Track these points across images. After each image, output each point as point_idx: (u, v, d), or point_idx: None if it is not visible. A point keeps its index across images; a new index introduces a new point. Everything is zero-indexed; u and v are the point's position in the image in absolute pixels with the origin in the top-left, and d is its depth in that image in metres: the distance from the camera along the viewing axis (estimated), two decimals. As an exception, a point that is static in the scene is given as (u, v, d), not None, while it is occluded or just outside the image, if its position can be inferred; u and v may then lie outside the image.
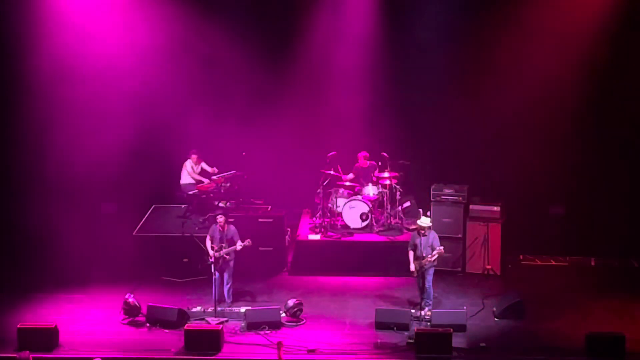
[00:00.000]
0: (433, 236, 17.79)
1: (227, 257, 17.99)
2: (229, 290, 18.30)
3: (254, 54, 22.13)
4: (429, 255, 17.58)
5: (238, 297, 18.66)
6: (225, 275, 18.20)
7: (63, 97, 22.20)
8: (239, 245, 17.96)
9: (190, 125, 22.25)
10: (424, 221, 17.77)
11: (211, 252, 17.91)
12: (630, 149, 21.61)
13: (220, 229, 18.06)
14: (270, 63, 22.25)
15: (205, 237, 18.39)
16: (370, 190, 20.89)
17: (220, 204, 20.90)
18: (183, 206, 21.62)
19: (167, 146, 22.36)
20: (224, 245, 17.96)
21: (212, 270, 18.04)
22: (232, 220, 18.63)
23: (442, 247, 17.64)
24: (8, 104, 22.13)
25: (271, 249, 20.22)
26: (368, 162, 21.24)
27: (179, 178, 21.61)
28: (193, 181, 21.35)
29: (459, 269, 20.05)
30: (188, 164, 21.39)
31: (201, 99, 22.44)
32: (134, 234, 20.81)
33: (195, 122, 22.25)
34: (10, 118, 22.16)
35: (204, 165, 21.55)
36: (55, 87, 22.18)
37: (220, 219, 18.05)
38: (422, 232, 17.71)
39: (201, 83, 22.36)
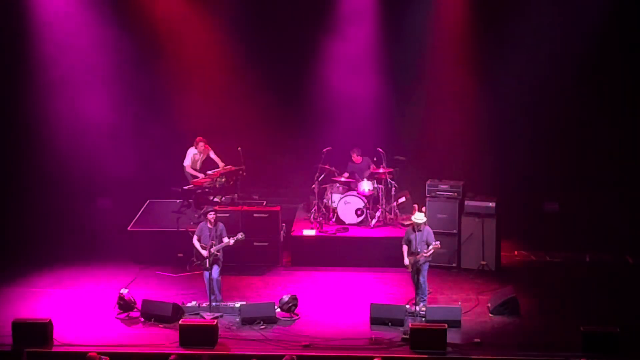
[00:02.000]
0: (427, 232, 17.79)
1: (218, 253, 17.97)
2: (219, 286, 18.29)
3: (252, 51, 22.20)
4: (424, 250, 17.58)
5: (233, 292, 18.66)
6: (216, 272, 18.15)
7: (60, 92, 22.25)
8: (231, 240, 17.95)
9: (187, 121, 22.25)
10: (418, 217, 17.76)
11: (203, 252, 17.84)
12: (626, 146, 21.66)
13: (210, 226, 18.02)
14: (267, 60, 22.29)
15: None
16: (366, 185, 20.90)
17: (215, 199, 20.89)
18: (178, 201, 21.59)
19: (163, 142, 22.38)
20: (214, 242, 17.92)
21: (206, 266, 18.03)
22: (227, 215, 18.62)
23: (438, 242, 17.64)
24: (3, 97, 22.17)
25: (266, 244, 20.22)
26: (361, 158, 21.25)
27: (176, 173, 21.52)
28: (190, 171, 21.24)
29: (454, 265, 20.05)
30: (190, 153, 21.21)
31: (198, 96, 22.46)
32: (128, 228, 20.80)
33: (192, 118, 22.26)
34: (7, 111, 22.20)
35: (211, 154, 21.36)
36: (53, 83, 22.24)
37: (211, 215, 18.02)
38: (417, 227, 17.71)
39: (197, 79, 22.40)
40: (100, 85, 22.31)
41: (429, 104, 22.22)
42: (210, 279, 17.81)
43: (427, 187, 20.35)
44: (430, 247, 17.57)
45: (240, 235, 17.99)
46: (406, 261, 17.72)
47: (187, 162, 21.21)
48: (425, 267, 17.80)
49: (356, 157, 21.25)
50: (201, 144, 21.07)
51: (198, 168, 21.23)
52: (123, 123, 22.54)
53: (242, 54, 22.31)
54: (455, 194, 20.24)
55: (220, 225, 18.14)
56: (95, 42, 22.04)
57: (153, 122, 22.55)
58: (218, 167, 21.11)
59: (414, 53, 22.07)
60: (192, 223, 20.34)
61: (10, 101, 22.20)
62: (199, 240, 18.03)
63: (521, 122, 21.88)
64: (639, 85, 21.55)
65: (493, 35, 21.63)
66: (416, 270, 17.71)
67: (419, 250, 17.62)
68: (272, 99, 22.56)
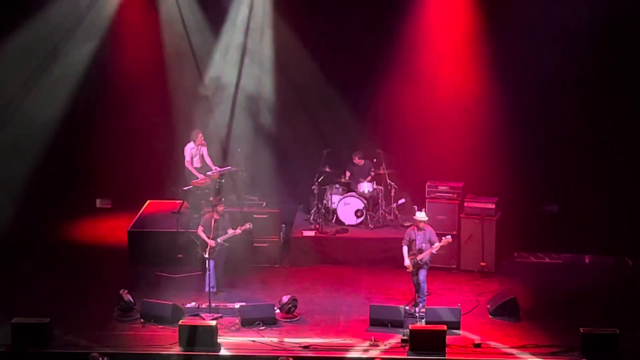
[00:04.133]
0: (430, 231, 17.79)
1: (226, 244, 18.12)
2: (221, 280, 18.43)
3: (251, 52, 22.21)
4: (432, 247, 17.55)
5: (232, 293, 18.67)
6: (220, 264, 18.30)
7: (60, 92, 22.24)
8: (239, 230, 18.05)
9: (185, 120, 22.23)
10: (420, 215, 17.74)
11: (210, 242, 17.98)
12: (624, 147, 21.65)
13: (217, 217, 18.14)
14: (266, 61, 22.31)
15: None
16: (365, 187, 20.91)
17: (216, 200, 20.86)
18: (178, 202, 21.59)
19: (161, 141, 22.37)
20: (220, 233, 18.06)
21: (207, 264, 18.07)
22: (227, 216, 18.68)
23: (449, 236, 17.62)
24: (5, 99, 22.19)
25: (266, 245, 20.24)
26: (363, 161, 21.25)
27: (175, 173, 21.52)
28: (193, 166, 21.17)
29: (454, 266, 20.07)
30: (188, 148, 21.15)
31: (197, 96, 22.47)
32: (128, 229, 20.81)
33: (191, 118, 22.24)
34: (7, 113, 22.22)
35: (205, 152, 21.35)
36: (51, 83, 22.24)
37: (220, 207, 18.16)
38: (419, 227, 17.67)
39: (195, 77, 22.42)
40: (100, 86, 22.32)
41: (427, 104, 22.19)
42: (209, 273, 17.92)
43: (426, 189, 20.37)
44: (436, 244, 17.51)
45: (248, 225, 18.11)
46: (407, 262, 17.70)
47: (187, 158, 21.18)
48: (425, 268, 17.80)
49: (358, 160, 21.24)
50: (200, 135, 20.98)
51: (198, 166, 21.19)
52: (121, 123, 22.53)
53: (241, 55, 22.32)
54: (455, 195, 20.27)
55: (227, 217, 18.31)
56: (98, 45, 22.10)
57: (153, 122, 22.53)
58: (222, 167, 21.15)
59: (412, 53, 22.06)
60: (191, 224, 20.37)
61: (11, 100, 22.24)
62: (204, 231, 18.14)
63: (520, 123, 21.84)
64: (638, 86, 21.53)
65: (493, 35, 21.60)
66: (416, 270, 17.72)
67: (423, 249, 17.61)
68: (272, 99, 22.56)
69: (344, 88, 22.28)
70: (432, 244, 17.61)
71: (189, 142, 21.10)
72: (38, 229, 21.58)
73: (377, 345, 16.56)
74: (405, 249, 17.81)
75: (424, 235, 17.67)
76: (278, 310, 17.72)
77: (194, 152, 21.08)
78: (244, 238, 19.32)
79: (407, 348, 16.38)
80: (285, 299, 17.82)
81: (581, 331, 16.33)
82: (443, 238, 17.58)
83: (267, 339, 16.77)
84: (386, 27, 21.93)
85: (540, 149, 21.99)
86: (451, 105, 22.07)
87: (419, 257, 17.61)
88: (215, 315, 17.56)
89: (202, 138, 21.04)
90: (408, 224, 20.08)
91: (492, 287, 19.15)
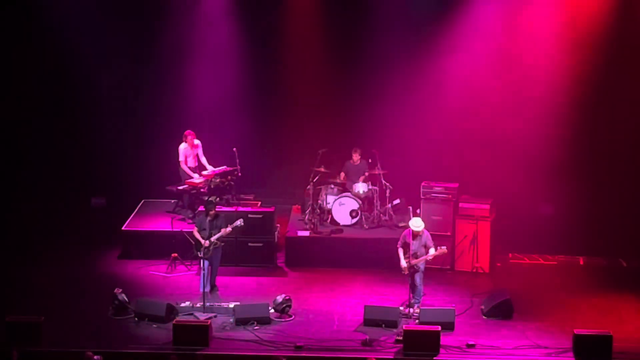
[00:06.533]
0: (426, 235, 17.75)
1: (219, 242, 18.09)
2: (215, 279, 18.43)
3: (248, 49, 22.23)
4: (427, 254, 17.53)
5: (227, 292, 18.67)
6: (215, 264, 18.30)
7: (55, 92, 22.24)
8: (229, 228, 18.07)
9: (181, 120, 22.25)
10: (417, 224, 17.64)
11: (204, 242, 17.98)
12: (620, 148, 21.66)
13: (211, 219, 18.13)
14: (263, 58, 22.33)
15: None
16: (360, 187, 20.90)
17: (210, 200, 20.85)
18: (172, 201, 21.60)
19: (158, 141, 22.37)
20: (213, 232, 18.07)
21: (201, 264, 18.07)
22: (223, 215, 18.69)
23: (444, 247, 17.58)
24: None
25: (260, 244, 20.23)
26: (360, 160, 21.25)
27: (171, 173, 21.48)
28: (188, 166, 21.13)
29: (448, 267, 20.07)
30: (181, 149, 21.09)
31: (192, 96, 22.46)
32: (122, 228, 20.79)
33: (188, 118, 22.25)
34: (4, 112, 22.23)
35: (200, 152, 21.30)
36: (49, 83, 22.23)
37: (212, 211, 18.17)
38: (415, 234, 17.63)
39: (191, 79, 22.41)
40: (96, 84, 22.32)
41: (423, 104, 22.20)
42: (203, 273, 17.94)
43: (421, 189, 20.38)
44: (431, 252, 17.45)
45: (239, 223, 18.12)
46: (403, 263, 17.67)
47: (181, 159, 21.14)
48: (422, 268, 17.78)
49: (356, 157, 21.22)
50: (190, 137, 20.98)
51: (193, 166, 21.17)
52: (118, 122, 22.53)
53: (237, 55, 22.32)
54: (450, 196, 20.28)
55: (221, 215, 18.32)
56: (91, 44, 22.09)
57: (148, 121, 22.54)
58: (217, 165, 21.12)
59: (409, 53, 22.08)
60: (186, 223, 20.36)
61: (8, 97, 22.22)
62: (198, 232, 18.21)
63: (516, 123, 21.86)
64: (636, 85, 21.53)
65: (486, 36, 21.63)
66: (412, 272, 17.69)
67: (418, 254, 17.59)
68: (268, 100, 22.58)
69: (341, 88, 22.31)
70: (427, 248, 17.57)
71: (182, 142, 21.08)
72: (34, 227, 21.55)
73: (371, 346, 16.58)
74: (400, 250, 17.77)
75: (419, 240, 17.64)
76: (272, 310, 17.72)
77: (187, 152, 21.05)
78: (238, 238, 19.34)
79: (401, 348, 16.41)
80: (279, 298, 17.81)
81: (574, 333, 16.35)
82: (439, 248, 17.53)
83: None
84: (382, 27, 21.99)
85: (535, 149, 21.98)
86: (447, 106, 22.07)
87: (413, 262, 17.58)
88: (210, 315, 17.55)
89: (194, 138, 21.01)
90: (403, 224, 20.08)
91: (486, 288, 19.16)
